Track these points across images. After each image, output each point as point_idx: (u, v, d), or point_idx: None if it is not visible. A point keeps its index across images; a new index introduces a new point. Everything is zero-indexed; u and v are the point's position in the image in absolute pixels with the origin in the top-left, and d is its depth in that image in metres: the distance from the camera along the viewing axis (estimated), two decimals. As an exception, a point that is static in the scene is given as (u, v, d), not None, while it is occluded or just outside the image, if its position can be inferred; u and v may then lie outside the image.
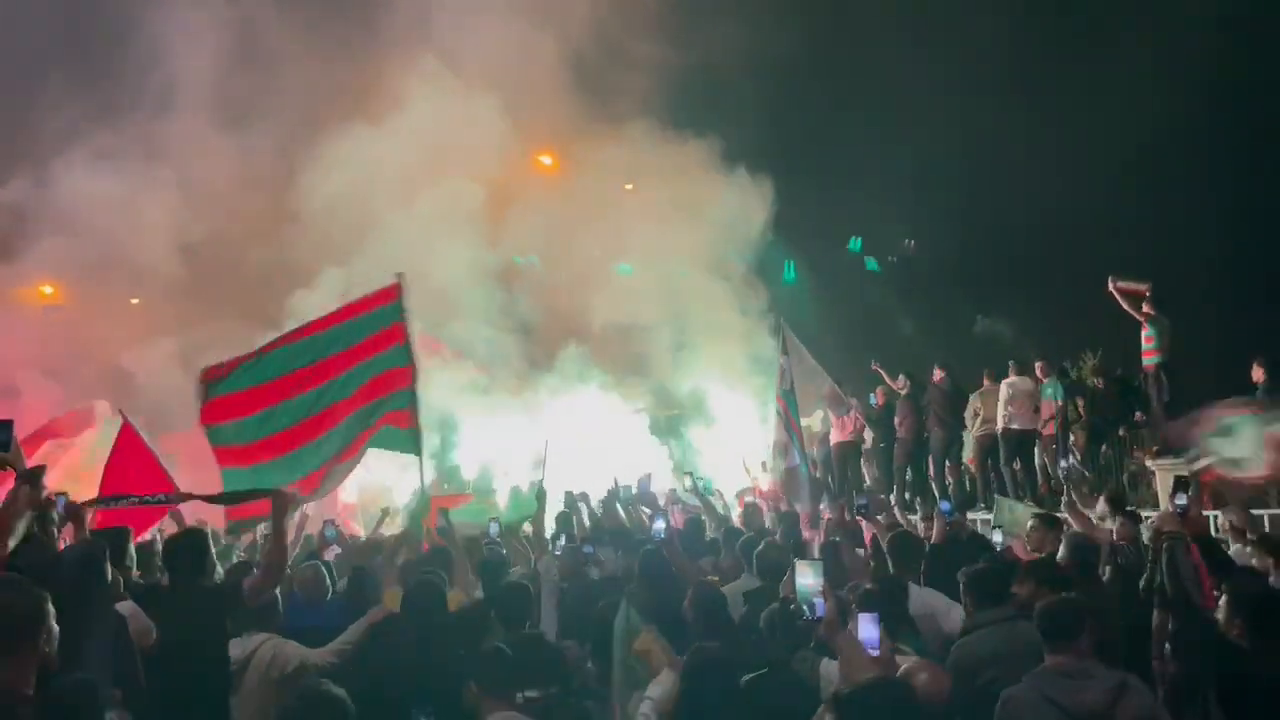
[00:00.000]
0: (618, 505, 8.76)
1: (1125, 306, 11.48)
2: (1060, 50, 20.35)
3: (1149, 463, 11.45)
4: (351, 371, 6.85)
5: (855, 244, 22.03)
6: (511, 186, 17.79)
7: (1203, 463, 9.29)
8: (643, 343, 17.04)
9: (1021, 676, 3.97)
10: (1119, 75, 18.32)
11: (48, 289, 18.20)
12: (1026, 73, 19.85)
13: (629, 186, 19.12)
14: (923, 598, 5.47)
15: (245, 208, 16.97)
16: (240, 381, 6.64)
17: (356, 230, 16.06)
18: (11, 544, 4.11)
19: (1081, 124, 20.01)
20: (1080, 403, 12.58)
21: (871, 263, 22.72)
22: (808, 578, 3.86)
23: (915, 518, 10.92)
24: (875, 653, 3.63)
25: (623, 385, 16.52)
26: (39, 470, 4.26)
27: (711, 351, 17.05)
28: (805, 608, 3.89)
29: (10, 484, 4.27)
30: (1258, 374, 10.62)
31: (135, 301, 18.93)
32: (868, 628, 3.65)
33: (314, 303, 14.90)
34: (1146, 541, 6.12)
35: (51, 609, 3.55)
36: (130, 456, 8.12)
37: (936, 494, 12.27)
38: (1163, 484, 10.06)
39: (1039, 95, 19.86)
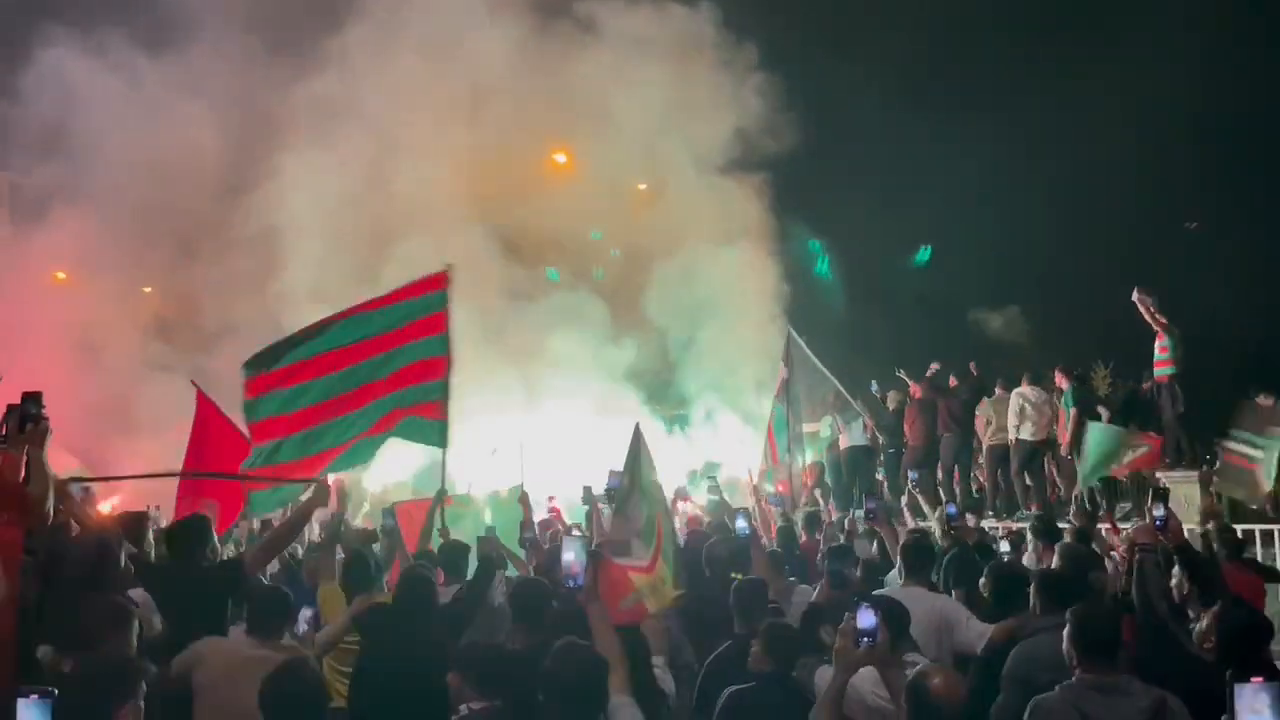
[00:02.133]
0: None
1: (1147, 317, 11.43)
2: (1074, 50, 20.24)
3: (1159, 475, 11.42)
4: (389, 354, 6.77)
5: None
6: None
7: None
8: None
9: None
10: (1139, 79, 18.21)
11: (61, 274, 18.25)
12: (1038, 72, 19.75)
13: (642, 186, 19.16)
14: (940, 607, 5.37)
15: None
16: (280, 359, 6.57)
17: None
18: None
19: (1095, 128, 19.90)
20: (1105, 413, 12.49)
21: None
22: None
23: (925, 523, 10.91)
24: (871, 642, 3.62)
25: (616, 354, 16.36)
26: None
27: (719, 348, 17.05)
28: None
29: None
30: (1264, 399, 10.61)
31: (148, 290, 19.03)
32: (866, 617, 3.65)
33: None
34: (1124, 553, 6.04)
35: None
36: (211, 432, 7.97)
37: (944, 498, 12.22)
38: (1173, 496, 10.02)
39: (1049, 96, 19.77)
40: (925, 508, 11.41)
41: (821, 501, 12.90)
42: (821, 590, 5.35)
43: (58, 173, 16.58)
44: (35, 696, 2.64)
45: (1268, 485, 9.83)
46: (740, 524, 6.60)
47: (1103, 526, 9.25)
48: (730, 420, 16.89)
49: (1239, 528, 9.67)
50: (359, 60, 16.72)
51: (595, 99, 17.04)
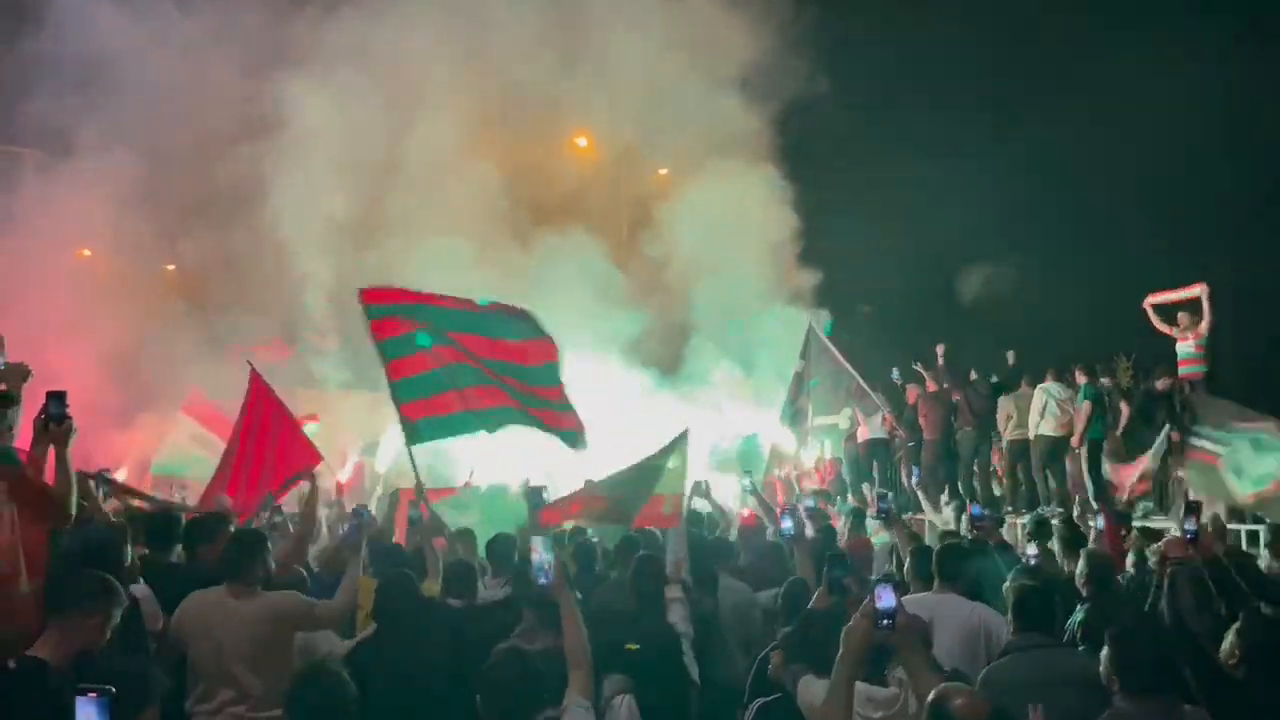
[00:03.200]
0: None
1: (1209, 314, 11.26)
2: (1095, 49, 19.98)
3: (1180, 474, 11.31)
4: (512, 365, 7.16)
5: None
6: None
7: None
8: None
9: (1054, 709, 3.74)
10: (1163, 74, 17.97)
11: (86, 251, 18.28)
12: (1058, 69, 19.53)
13: (663, 171, 19.08)
14: (982, 615, 5.23)
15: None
16: (412, 345, 6.94)
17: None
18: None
19: (1115, 125, 19.67)
20: (1125, 408, 12.37)
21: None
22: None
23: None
24: (891, 624, 3.46)
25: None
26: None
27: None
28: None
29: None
30: None
31: (171, 268, 19.10)
32: (886, 596, 3.49)
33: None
34: (1153, 566, 5.76)
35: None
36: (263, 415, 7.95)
37: (964, 496, 12.14)
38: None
39: (1066, 94, 19.55)
40: (926, 505, 11.33)
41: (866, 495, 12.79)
42: (819, 597, 5.03)
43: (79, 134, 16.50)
44: (94, 695, 2.70)
45: (1239, 491, 9.49)
46: (785, 524, 6.53)
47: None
48: (745, 400, 16.79)
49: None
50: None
51: (608, 60, 17.03)
